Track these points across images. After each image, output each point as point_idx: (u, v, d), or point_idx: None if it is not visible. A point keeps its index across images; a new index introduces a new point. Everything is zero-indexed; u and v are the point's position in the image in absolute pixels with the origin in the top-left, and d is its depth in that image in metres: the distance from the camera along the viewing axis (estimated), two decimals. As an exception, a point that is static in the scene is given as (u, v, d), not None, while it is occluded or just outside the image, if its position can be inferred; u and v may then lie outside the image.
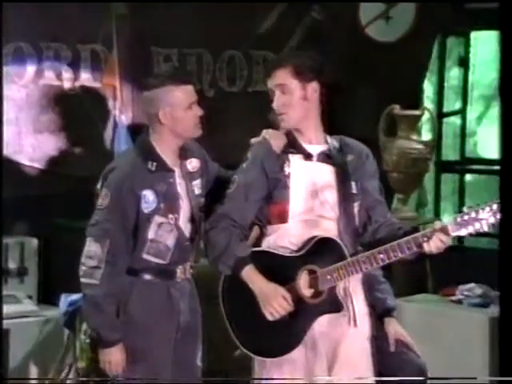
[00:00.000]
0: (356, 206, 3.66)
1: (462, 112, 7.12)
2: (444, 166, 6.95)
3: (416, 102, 6.61)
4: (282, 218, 3.60)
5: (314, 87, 3.62)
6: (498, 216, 3.46)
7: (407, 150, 6.19)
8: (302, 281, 3.56)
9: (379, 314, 4.01)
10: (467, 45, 7.05)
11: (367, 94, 6.39)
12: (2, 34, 5.20)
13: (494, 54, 7.60)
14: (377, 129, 6.16)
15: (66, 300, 4.76)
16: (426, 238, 3.47)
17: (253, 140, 3.79)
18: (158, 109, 3.70)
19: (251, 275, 3.56)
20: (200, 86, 6.16)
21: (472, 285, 5.63)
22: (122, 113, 5.97)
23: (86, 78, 6.00)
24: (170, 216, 3.71)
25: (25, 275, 5.66)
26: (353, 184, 3.64)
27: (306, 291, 3.56)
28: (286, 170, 3.61)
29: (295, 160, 3.63)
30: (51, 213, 5.88)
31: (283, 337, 3.59)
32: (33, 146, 5.94)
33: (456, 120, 7.13)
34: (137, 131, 6.00)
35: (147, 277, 3.73)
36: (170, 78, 3.74)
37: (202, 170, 3.85)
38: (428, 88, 7.01)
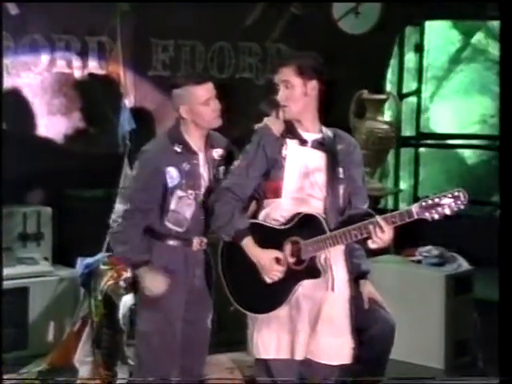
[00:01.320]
0: (341, 189, 3.74)
1: (418, 92, 7.27)
2: (402, 141, 7.09)
3: (381, 86, 6.76)
4: (277, 193, 3.70)
5: (313, 85, 3.71)
6: (460, 202, 3.49)
7: (374, 129, 6.30)
8: (287, 250, 3.67)
9: (355, 276, 4.09)
10: (422, 33, 7.21)
11: (339, 81, 6.48)
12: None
13: (444, 40, 7.79)
14: (348, 111, 6.29)
15: (81, 263, 4.89)
16: (394, 220, 3.56)
17: (256, 125, 3.87)
18: (179, 105, 3.92)
19: (249, 245, 3.69)
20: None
21: (430, 247, 5.70)
22: (125, 97, 6.01)
23: (93, 66, 6.10)
24: (190, 192, 3.90)
25: (41, 240, 5.75)
26: (340, 170, 3.73)
27: (290, 259, 3.67)
28: (284, 152, 3.71)
29: (292, 144, 3.73)
30: (63, 184, 6.02)
31: (270, 297, 3.71)
32: (47, 126, 6.05)
33: (412, 99, 7.29)
34: (139, 113, 6.23)
35: (169, 242, 3.92)
36: (187, 78, 3.98)
37: (227, 158, 4.00)
38: (389, 72, 7.17)
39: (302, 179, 3.71)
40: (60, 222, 5.90)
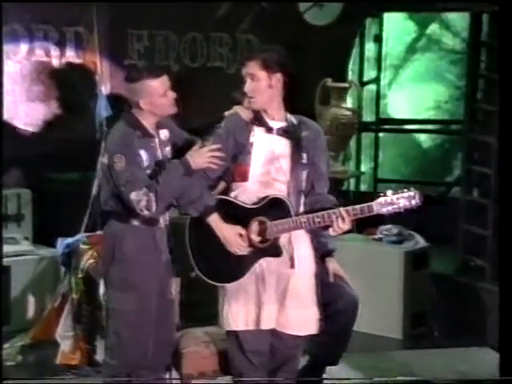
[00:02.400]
0: (304, 174, 3.83)
1: (377, 80, 7.28)
2: (363, 127, 7.07)
3: (344, 75, 6.75)
4: (244, 177, 3.79)
5: (278, 78, 3.77)
6: (414, 202, 3.66)
7: (338, 116, 6.32)
8: (254, 228, 3.76)
9: (321, 254, 4.16)
10: (381, 24, 7.21)
11: (305, 70, 6.34)
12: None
13: (401, 31, 7.82)
14: (314, 98, 6.28)
15: (62, 243, 4.86)
16: (345, 213, 3.68)
17: (226, 112, 3.92)
18: (138, 98, 3.89)
19: (216, 220, 3.77)
20: (167, 62, 6.23)
21: (389, 226, 5.75)
22: (101, 85, 5.96)
23: (70, 55, 6.04)
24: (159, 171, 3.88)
25: (22, 220, 5.75)
26: (304, 155, 3.80)
27: (256, 238, 3.76)
28: (251, 139, 3.78)
29: (259, 132, 3.80)
30: (43, 168, 5.98)
31: (232, 269, 3.79)
32: (26, 112, 6.00)
33: (372, 87, 7.29)
34: (115, 100, 6.18)
35: (138, 223, 3.91)
36: (145, 72, 3.91)
37: (170, 138, 4.02)
38: (351, 61, 7.14)
39: (268, 164, 3.78)
40: (39, 204, 5.87)
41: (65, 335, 4.88)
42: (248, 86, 3.78)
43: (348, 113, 6.40)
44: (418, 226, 5.92)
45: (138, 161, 3.87)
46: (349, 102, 6.58)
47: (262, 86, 3.76)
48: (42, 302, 5.40)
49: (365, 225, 5.86)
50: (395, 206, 3.69)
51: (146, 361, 3.94)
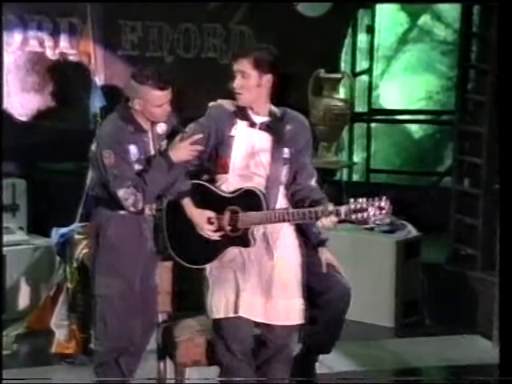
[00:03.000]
0: (285, 168, 3.85)
1: (369, 71, 7.25)
2: (355, 117, 7.03)
3: (336, 65, 6.73)
4: (225, 169, 3.82)
5: (268, 78, 3.78)
6: (384, 211, 3.67)
7: (331, 106, 6.30)
8: (226, 216, 3.80)
9: (314, 244, 4.17)
10: (373, 15, 7.17)
11: (298, 61, 6.35)
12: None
13: (393, 22, 7.80)
14: (306, 89, 6.27)
15: (56, 233, 4.87)
16: (324, 214, 3.71)
17: (210, 103, 3.93)
18: (134, 97, 3.87)
19: (188, 204, 3.82)
20: (160, 53, 6.23)
21: (382, 215, 5.90)
22: (95, 75, 5.99)
23: (64, 46, 6.03)
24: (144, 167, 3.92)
25: (16, 210, 5.75)
26: (286, 150, 3.81)
27: (227, 225, 3.81)
28: (233, 131, 3.80)
29: (241, 125, 3.81)
30: (37, 158, 6.01)
31: (201, 252, 3.86)
32: (20, 102, 6.00)
33: (364, 77, 7.26)
34: (109, 90, 6.18)
35: (122, 212, 3.93)
36: (152, 80, 3.85)
37: (168, 131, 4.00)
38: (343, 52, 7.08)
39: (248, 158, 3.81)
40: (34, 194, 5.88)
41: (60, 324, 4.90)
42: (237, 83, 3.78)
43: (340, 103, 6.39)
44: (410, 216, 5.95)
45: (127, 157, 3.88)
46: (341, 93, 6.56)
47: (252, 85, 3.77)
48: (37, 291, 5.41)
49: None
50: (365, 215, 3.69)
51: (133, 346, 3.99)
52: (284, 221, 3.77)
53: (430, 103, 7.77)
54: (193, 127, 3.83)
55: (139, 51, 6.22)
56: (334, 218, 3.71)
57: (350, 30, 7.05)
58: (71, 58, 6.07)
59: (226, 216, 3.81)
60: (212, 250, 3.85)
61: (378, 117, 7.47)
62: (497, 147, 5.46)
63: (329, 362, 4.49)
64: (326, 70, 6.33)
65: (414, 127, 7.89)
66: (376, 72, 7.42)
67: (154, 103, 3.86)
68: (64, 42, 6.03)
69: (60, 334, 4.88)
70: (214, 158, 3.84)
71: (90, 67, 6.01)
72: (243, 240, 3.82)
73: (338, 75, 6.46)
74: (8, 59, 5.91)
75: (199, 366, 3.96)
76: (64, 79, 6.03)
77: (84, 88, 5.99)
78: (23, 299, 5.49)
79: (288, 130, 3.82)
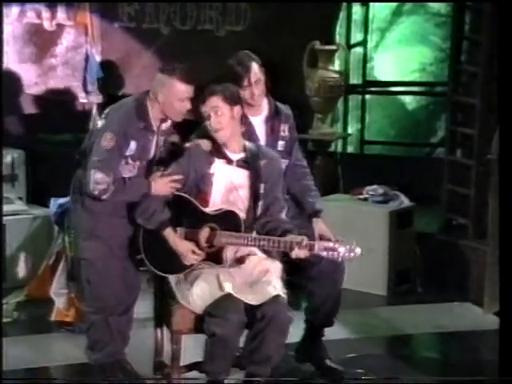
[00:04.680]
0: (260, 202, 3.99)
1: (364, 43, 7.23)
2: (350, 89, 7.07)
3: (331, 37, 6.71)
4: (206, 204, 3.95)
5: (237, 109, 3.96)
6: (353, 254, 3.83)
7: (326, 78, 6.31)
8: (204, 232, 3.92)
9: (309, 214, 4.26)
10: (368, -14, 7.15)
11: (293, 33, 6.46)
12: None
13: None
14: (302, 61, 6.27)
15: (55, 203, 4.85)
16: (296, 246, 3.81)
17: (187, 144, 4.06)
18: (158, 90, 3.99)
19: (170, 234, 3.91)
20: (157, 25, 6.22)
21: (375, 186, 5.77)
22: (92, 46, 5.97)
23: (61, 17, 5.99)
24: (137, 162, 4.05)
25: (15, 181, 5.74)
26: (262, 186, 3.98)
27: (203, 241, 3.92)
28: (212, 170, 3.96)
29: (219, 164, 3.98)
30: (36, 129, 5.98)
31: (174, 263, 3.93)
32: (18, 74, 5.95)
33: (359, 49, 7.24)
34: (106, 62, 6.15)
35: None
36: (180, 73, 3.99)
37: (171, 130, 4.14)
38: (338, 24, 7.08)
39: (227, 194, 3.97)
40: (33, 165, 5.86)
41: (59, 292, 4.91)
42: (214, 121, 3.94)
43: (335, 75, 6.39)
44: (403, 186, 5.95)
45: (123, 150, 3.99)
46: (336, 65, 6.57)
47: (227, 118, 3.93)
48: (37, 259, 5.42)
49: (351, 185, 6.03)
50: (335, 254, 3.82)
51: (121, 306, 4.13)
52: (259, 246, 3.90)
53: (424, 75, 7.74)
54: (173, 166, 3.99)
55: (136, 23, 6.20)
56: (306, 252, 3.84)
57: (344, 3, 7.02)
58: (68, 29, 6.03)
59: (204, 232, 3.92)
60: (184, 263, 3.93)
61: (373, 88, 7.46)
62: (489, 118, 5.52)
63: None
64: (321, 42, 6.32)
65: (407, 99, 7.87)
66: (370, 44, 7.40)
67: (178, 96, 3.98)
68: (61, 14, 5.99)
69: (59, 303, 4.89)
70: (194, 194, 3.97)
71: (87, 38, 5.98)
72: (217, 258, 3.92)
73: (333, 47, 6.45)
74: (5, 30, 5.85)
75: (195, 334, 3.96)
76: (60, 50, 6.01)
77: (80, 59, 5.96)
78: (23, 268, 5.51)
79: (263, 165, 4.00)
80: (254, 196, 3.95)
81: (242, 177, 3.99)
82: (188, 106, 4.02)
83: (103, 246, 4.08)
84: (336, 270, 4.21)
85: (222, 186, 3.97)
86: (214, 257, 3.92)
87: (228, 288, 3.83)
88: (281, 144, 4.29)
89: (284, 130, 4.31)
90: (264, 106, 4.29)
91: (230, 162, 3.99)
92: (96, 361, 4.21)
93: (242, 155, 4.00)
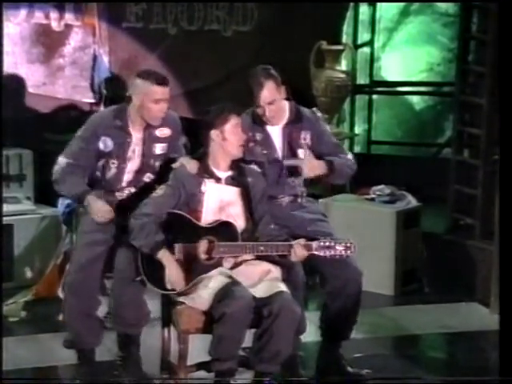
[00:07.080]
0: (253, 215, 4.04)
1: (371, 43, 7.23)
2: (357, 89, 7.07)
3: (338, 37, 6.70)
4: (198, 221, 3.98)
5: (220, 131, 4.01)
6: (349, 251, 3.92)
7: (333, 78, 6.31)
8: (202, 245, 3.96)
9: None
10: (375, -14, 7.14)
11: (301, 33, 6.45)
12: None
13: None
14: (309, 61, 6.28)
15: (63, 203, 4.91)
16: (294, 247, 3.89)
17: (173, 165, 4.11)
18: (133, 93, 4.12)
19: (164, 256, 3.93)
20: (165, 25, 6.21)
21: (382, 186, 5.76)
22: (100, 47, 5.99)
23: (69, 17, 6.00)
24: (116, 161, 4.17)
25: (23, 180, 5.73)
26: (252, 200, 4.03)
27: (202, 254, 3.95)
28: (202, 189, 4.01)
29: (209, 183, 4.03)
30: (43, 129, 5.97)
31: None
32: (26, 74, 5.97)
33: (366, 49, 7.24)
34: (113, 62, 6.15)
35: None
36: (153, 76, 4.11)
37: (171, 137, 4.23)
38: (345, 24, 7.06)
39: (219, 212, 4.02)
40: (40, 164, 5.84)
41: (67, 292, 4.89)
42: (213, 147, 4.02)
43: (342, 75, 6.39)
44: (410, 186, 5.94)
45: (94, 143, 4.14)
46: (343, 65, 6.56)
47: (219, 142, 4.03)
48: (45, 259, 5.43)
49: (358, 185, 5.94)
50: (332, 251, 3.89)
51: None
52: (257, 252, 3.93)
53: (431, 75, 7.73)
54: (164, 188, 4.03)
55: (143, 23, 6.20)
56: (305, 252, 3.90)
57: (351, 2, 7.01)
58: (76, 29, 6.04)
59: (203, 245, 3.95)
60: (186, 278, 3.94)
61: (380, 88, 7.45)
62: (496, 118, 5.51)
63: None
64: (328, 42, 6.32)
65: (415, 99, 7.85)
66: (378, 44, 7.39)
67: (153, 97, 4.06)
68: (69, 14, 6.00)
69: (67, 301, 4.87)
70: (185, 213, 3.99)
71: (95, 39, 5.99)
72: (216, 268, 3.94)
73: (340, 47, 6.44)
74: (14, 31, 5.88)
75: (202, 334, 3.96)
76: (68, 51, 6.01)
77: (88, 59, 5.97)
78: (31, 267, 5.51)
79: (250, 182, 4.06)
80: (248, 210, 4.00)
81: (231, 194, 4.04)
82: (164, 107, 4.09)
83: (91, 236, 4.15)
84: (354, 283, 4.22)
85: (212, 205, 4.02)
86: (215, 268, 3.94)
87: (234, 276, 3.87)
88: (300, 152, 4.23)
89: (305, 137, 4.23)
90: (284, 115, 4.22)
91: (218, 180, 4.04)
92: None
93: (229, 173, 4.06)
